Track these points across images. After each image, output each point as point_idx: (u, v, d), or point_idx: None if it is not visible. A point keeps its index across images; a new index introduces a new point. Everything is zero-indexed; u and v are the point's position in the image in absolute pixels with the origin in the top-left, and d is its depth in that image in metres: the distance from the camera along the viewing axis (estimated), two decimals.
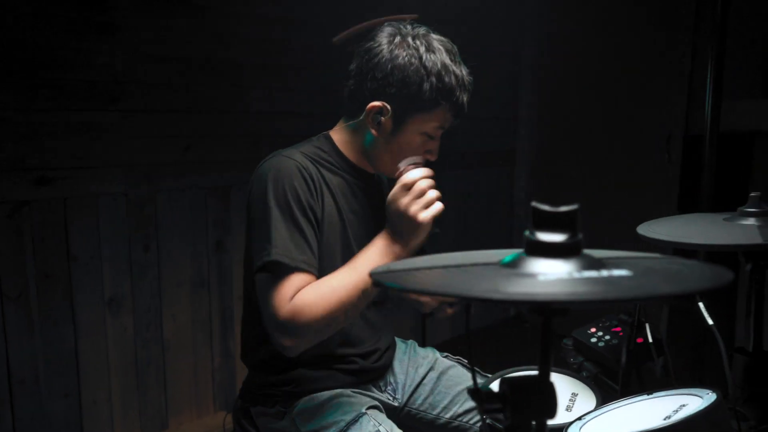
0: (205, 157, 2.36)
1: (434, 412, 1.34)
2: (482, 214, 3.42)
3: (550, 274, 0.40)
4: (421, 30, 1.16)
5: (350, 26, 1.22)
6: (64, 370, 2.10)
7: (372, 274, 0.46)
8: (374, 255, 1.07)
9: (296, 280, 1.03)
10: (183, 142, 2.29)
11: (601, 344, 1.36)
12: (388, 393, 1.34)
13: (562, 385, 1.23)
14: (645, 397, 0.96)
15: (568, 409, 1.13)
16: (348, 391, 1.21)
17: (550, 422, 1.04)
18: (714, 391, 0.83)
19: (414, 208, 1.07)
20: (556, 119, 3.33)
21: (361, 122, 1.17)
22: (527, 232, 0.45)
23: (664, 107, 2.75)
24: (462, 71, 1.15)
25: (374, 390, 1.30)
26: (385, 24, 1.19)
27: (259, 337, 1.20)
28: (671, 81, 2.72)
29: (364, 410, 1.15)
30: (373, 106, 1.13)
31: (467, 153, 3.22)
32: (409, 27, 1.16)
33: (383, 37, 1.14)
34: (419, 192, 1.08)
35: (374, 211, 1.28)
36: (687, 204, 2.74)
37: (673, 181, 2.74)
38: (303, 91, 2.58)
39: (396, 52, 1.11)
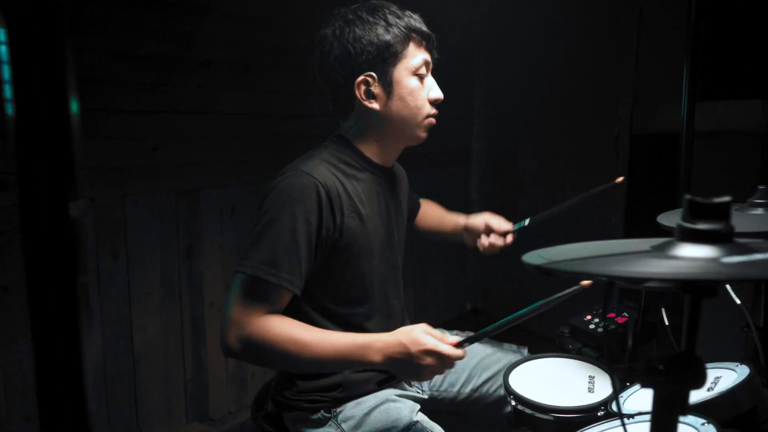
0: (174, 160, 2.27)
1: (455, 390, 1.39)
2: None
3: (730, 257, 0.45)
4: (348, 8, 1.20)
5: (318, 25, 1.24)
6: (25, 390, 1.96)
7: (536, 264, 0.49)
8: (360, 358, 1.06)
9: (275, 300, 1.07)
10: (150, 143, 2.20)
11: (600, 330, 1.46)
12: (416, 387, 1.36)
13: (578, 369, 1.31)
14: None
15: (590, 390, 1.21)
16: (392, 396, 1.22)
17: (589, 401, 1.11)
18: (744, 364, 0.92)
19: (419, 375, 1.06)
20: (509, 120, 3.47)
21: (359, 109, 1.19)
22: (682, 221, 0.50)
23: (612, 107, 2.95)
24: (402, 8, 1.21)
25: (406, 387, 1.32)
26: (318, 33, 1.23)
27: None
28: (618, 82, 2.93)
29: (415, 417, 1.17)
30: (359, 83, 1.15)
31: (425, 153, 3.29)
32: (337, 14, 1.20)
33: (327, 34, 1.18)
34: (436, 368, 1.06)
35: (394, 207, 1.30)
36: (635, 201, 2.95)
37: (620, 183, 2.94)
38: (272, 92, 2.54)
39: (345, 32, 1.14)
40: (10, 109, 0.34)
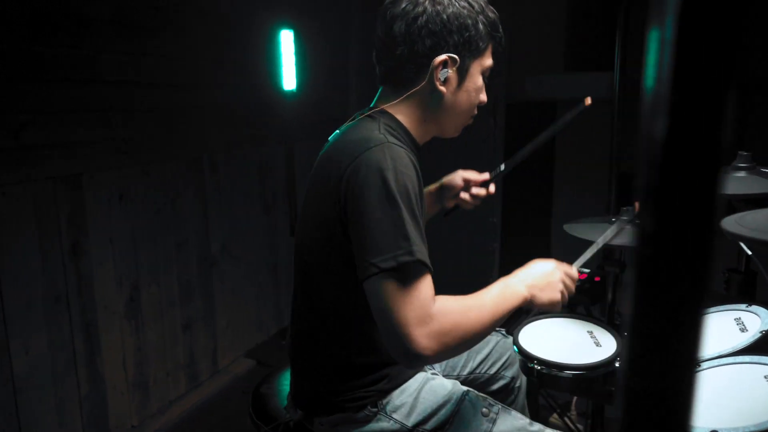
0: (47, 139, 1.85)
1: (455, 373, 1.40)
2: None
3: None
4: None
5: None
6: None
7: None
8: (509, 296, 1.05)
9: (430, 280, 0.95)
10: (16, 120, 1.76)
11: None
12: (431, 369, 1.34)
13: (575, 326, 1.41)
14: None
15: (597, 345, 1.31)
16: (428, 375, 1.18)
17: (605, 355, 1.20)
18: (754, 304, 1.09)
19: (560, 295, 1.10)
20: None
21: (422, 87, 1.09)
22: None
23: (490, 78, 3.14)
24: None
25: (426, 367, 1.28)
26: None
27: (347, 340, 1.09)
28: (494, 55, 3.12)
29: (464, 388, 1.14)
30: (440, 60, 1.06)
31: (310, 123, 3.16)
32: None
33: None
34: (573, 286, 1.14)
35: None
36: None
37: (500, 145, 3.18)
38: (161, 57, 2.20)
39: (445, 3, 1.06)
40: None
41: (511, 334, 1.40)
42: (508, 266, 1.15)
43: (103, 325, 2.09)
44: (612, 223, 1.48)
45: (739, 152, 1.19)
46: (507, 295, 1.05)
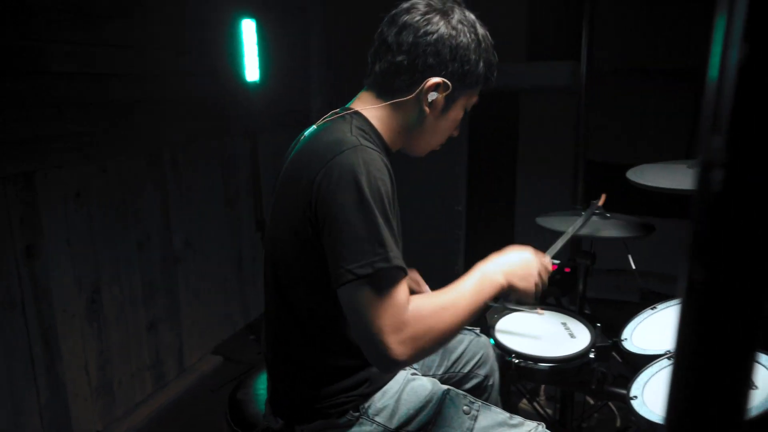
0: None
1: (430, 373, 1.40)
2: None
3: None
4: (455, 5, 1.11)
5: None
6: None
7: None
8: (486, 286, 1.05)
9: (405, 285, 0.94)
10: None
11: None
12: (413, 369, 1.34)
13: (551, 319, 1.43)
14: (650, 312, 1.23)
15: (572, 336, 1.34)
16: (408, 376, 1.17)
17: (581, 346, 1.22)
18: None
19: (534, 286, 1.12)
20: (347, 76, 3.44)
21: (410, 100, 1.07)
22: None
23: None
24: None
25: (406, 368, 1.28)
26: None
27: (326, 343, 1.07)
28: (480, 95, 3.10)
29: (444, 387, 1.14)
30: (435, 82, 1.05)
31: (270, 114, 3.09)
32: (441, 2, 1.10)
33: (436, 19, 1.07)
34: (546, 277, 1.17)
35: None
36: (475, 154, 3.24)
37: (463, 134, 3.19)
38: (117, 46, 2.09)
39: (459, 28, 1.05)
40: None
41: (485, 333, 1.41)
42: (473, 253, 1.15)
43: (62, 330, 2.00)
44: (581, 214, 1.50)
45: None
46: (484, 286, 1.05)
